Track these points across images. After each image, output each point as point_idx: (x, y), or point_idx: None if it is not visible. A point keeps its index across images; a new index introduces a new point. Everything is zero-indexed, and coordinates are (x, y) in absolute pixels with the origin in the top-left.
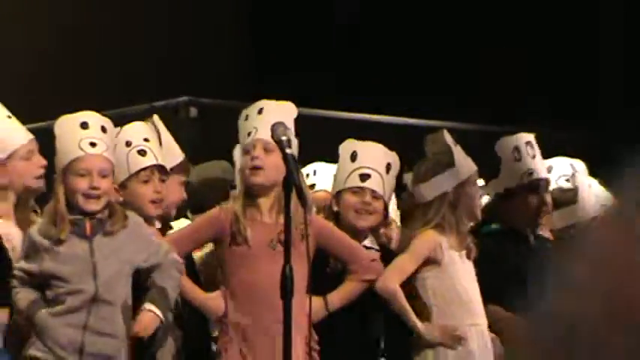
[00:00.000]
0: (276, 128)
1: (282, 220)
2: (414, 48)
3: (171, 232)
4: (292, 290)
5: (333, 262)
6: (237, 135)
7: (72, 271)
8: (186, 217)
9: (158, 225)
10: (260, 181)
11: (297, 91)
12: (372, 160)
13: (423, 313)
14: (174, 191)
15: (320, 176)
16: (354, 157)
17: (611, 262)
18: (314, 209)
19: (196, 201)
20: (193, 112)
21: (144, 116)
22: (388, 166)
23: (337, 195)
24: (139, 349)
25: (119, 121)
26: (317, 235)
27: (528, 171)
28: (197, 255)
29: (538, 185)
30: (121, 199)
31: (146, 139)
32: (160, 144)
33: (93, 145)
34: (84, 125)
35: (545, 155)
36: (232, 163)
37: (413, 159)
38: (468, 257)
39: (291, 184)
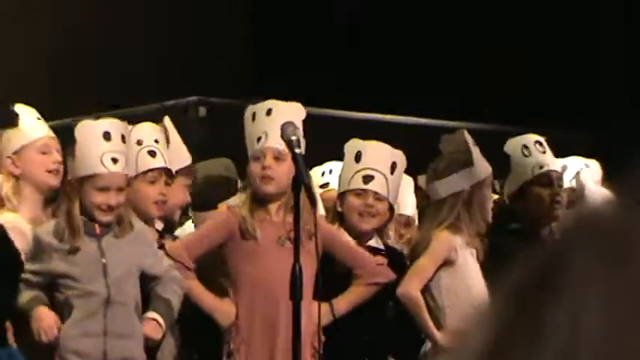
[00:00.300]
0: (285, 128)
1: (290, 218)
2: (414, 47)
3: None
4: (302, 289)
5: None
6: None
7: (82, 271)
8: (187, 215)
9: (159, 226)
10: (271, 190)
11: (299, 90)
12: (376, 161)
13: (435, 317)
14: (179, 194)
15: (335, 175)
16: (358, 157)
17: None
18: (322, 210)
19: (199, 198)
20: (202, 111)
21: (154, 116)
22: (393, 166)
23: (341, 196)
24: None
25: (129, 121)
26: (322, 238)
27: (538, 164)
28: None
29: (549, 177)
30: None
31: (156, 141)
32: (168, 145)
33: (115, 161)
34: (106, 136)
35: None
36: (240, 162)
37: (414, 158)
38: (477, 259)
39: (301, 183)
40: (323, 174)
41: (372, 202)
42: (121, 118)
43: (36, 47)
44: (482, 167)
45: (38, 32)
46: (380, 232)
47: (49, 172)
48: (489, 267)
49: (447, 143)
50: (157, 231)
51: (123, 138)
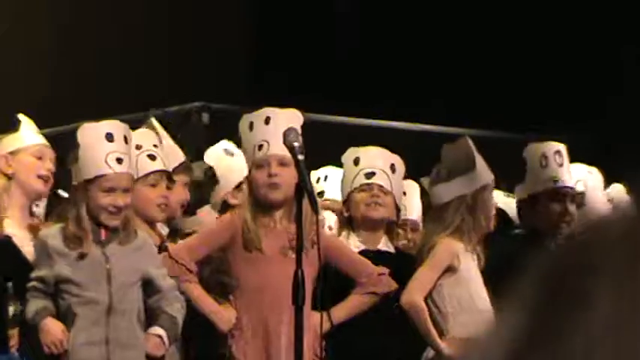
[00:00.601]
0: (288, 134)
1: (293, 227)
2: (416, 52)
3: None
4: (304, 295)
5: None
6: None
7: (86, 277)
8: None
9: (165, 231)
10: (279, 197)
11: (300, 96)
12: (376, 161)
13: (438, 323)
14: (179, 192)
15: (330, 182)
16: (357, 161)
17: None
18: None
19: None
20: (205, 117)
21: (158, 122)
22: (393, 166)
23: (347, 199)
24: None
25: (132, 128)
26: (325, 248)
27: (553, 178)
28: None
29: (562, 193)
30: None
31: (155, 145)
32: (160, 145)
33: (119, 161)
34: (109, 137)
35: None
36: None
37: (419, 164)
38: (478, 265)
39: (303, 189)
40: (318, 180)
41: (377, 193)
42: (125, 124)
43: (35, 52)
44: (485, 173)
45: (37, 35)
46: (390, 234)
47: (40, 177)
48: (492, 273)
49: (449, 149)
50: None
51: (125, 139)
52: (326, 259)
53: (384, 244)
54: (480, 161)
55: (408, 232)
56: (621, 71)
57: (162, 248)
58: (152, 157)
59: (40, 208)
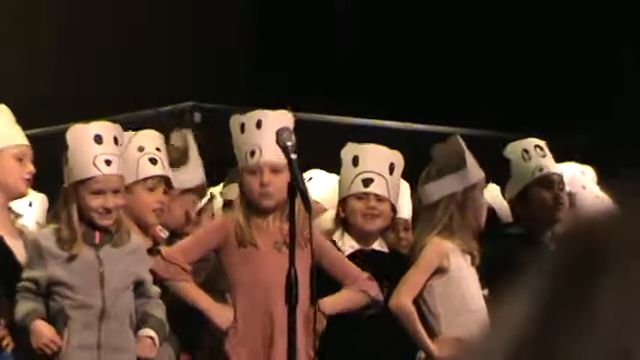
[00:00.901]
0: (281, 133)
1: (286, 226)
2: (410, 52)
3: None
4: (297, 293)
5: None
6: None
7: (79, 279)
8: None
9: (164, 234)
10: (271, 205)
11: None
12: (374, 164)
13: (430, 324)
14: (184, 211)
15: (315, 184)
16: (355, 161)
17: None
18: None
19: None
20: (197, 117)
21: (149, 122)
22: (391, 167)
23: (343, 201)
24: None
25: (124, 127)
26: (315, 250)
27: (538, 167)
28: None
29: (550, 180)
30: (125, 202)
31: (158, 149)
32: (189, 160)
33: (108, 163)
34: (98, 139)
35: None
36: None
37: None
38: (472, 264)
39: (296, 189)
40: None
41: (373, 204)
42: (117, 123)
43: (35, 52)
44: (475, 171)
45: (37, 35)
46: (383, 234)
47: (24, 179)
48: (489, 272)
49: (440, 149)
50: (154, 241)
51: (116, 140)
52: (317, 259)
53: (378, 244)
54: (470, 159)
55: (400, 232)
56: (621, 71)
57: (153, 251)
58: (153, 161)
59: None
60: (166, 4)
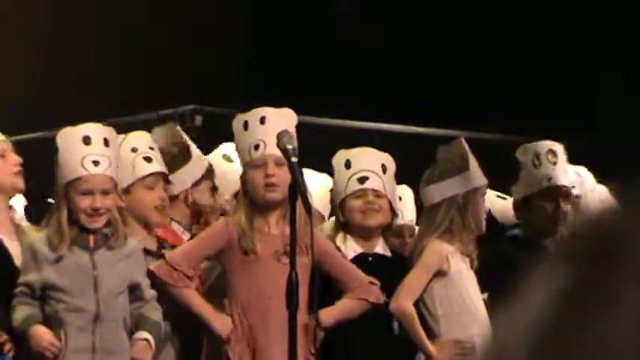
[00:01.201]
0: (282, 136)
1: (288, 230)
2: (413, 55)
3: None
4: (297, 299)
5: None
6: None
7: (73, 283)
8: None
9: (179, 228)
10: (277, 197)
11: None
12: (367, 163)
13: (431, 326)
14: (204, 197)
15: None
16: (348, 164)
17: None
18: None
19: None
20: (198, 120)
21: (150, 125)
22: (384, 167)
23: (341, 205)
24: None
25: (125, 130)
26: (319, 255)
27: (546, 177)
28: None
29: (555, 192)
30: (123, 204)
31: (151, 147)
32: (190, 156)
33: (96, 163)
34: (86, 140)
35: None
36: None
37: (411, 167)
38: (471, 267)
39: (297, 191)
40: None
41: (372, 199)
42: (117, 126)
43: (35, 51)
44: (478, 175)
45: (37, 35)
46: (386, 238)
47: (13, 173)
48: (489, 274)
49: (443, 151)
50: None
51: (106, 141)
52: (318, 263)
53: (381, 248)
54: (473, 163)
55: (406, 237)
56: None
57: (156, 254)
58: (148, 159)
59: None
60: (166, 4)
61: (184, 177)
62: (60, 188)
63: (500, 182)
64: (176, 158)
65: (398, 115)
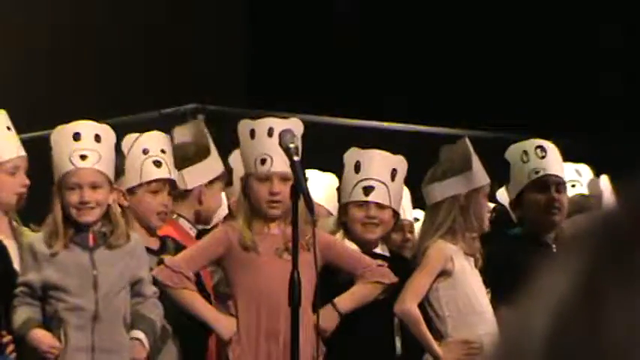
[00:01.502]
0: (284, 135)
1: (289, 230)
2: (412, 53)
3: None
4: (300, 296)
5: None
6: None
7: (72, 282)
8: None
9: (192, 232)
10: (279, 214)
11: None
12: (376, 171)
13: (437, 327)
14: (215, 199)
15: (311, 185)
16: (357, 167)
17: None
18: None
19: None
20: (200, 119)
21: (153, 123)
22: (393, 173)
23: (343, 207)
24: None
25: (126, 129)
26: (322, 249)
27: (534, 170)
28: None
29: (544, 182)
30: (126, 203)
31: (163, 151)
32: (209, 153)
33: (83, 157)
34: (76, 136)
35: None
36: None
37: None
38: (475, 266)
39: (299, 191)
40: None
41: (374, 214)
42: (120, 125)
43: (35, 52)
44: (481, 175)
45: (37, 35)
46: (385, 238)
47: (16, 194)
48: (492, 273)
49: (446, 150)
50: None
51: (97, 137)
52: (324, 259)
53: (379, 248)
54: (477, 163)
55: (406, 233)
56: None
57: (161, 251)
58: (157, 164)
59: None
60: (166, 4)
61: (201, 172)
62: (55, 187)
63: (504, 181)
64: (195, 153)
65: (398, 114)
